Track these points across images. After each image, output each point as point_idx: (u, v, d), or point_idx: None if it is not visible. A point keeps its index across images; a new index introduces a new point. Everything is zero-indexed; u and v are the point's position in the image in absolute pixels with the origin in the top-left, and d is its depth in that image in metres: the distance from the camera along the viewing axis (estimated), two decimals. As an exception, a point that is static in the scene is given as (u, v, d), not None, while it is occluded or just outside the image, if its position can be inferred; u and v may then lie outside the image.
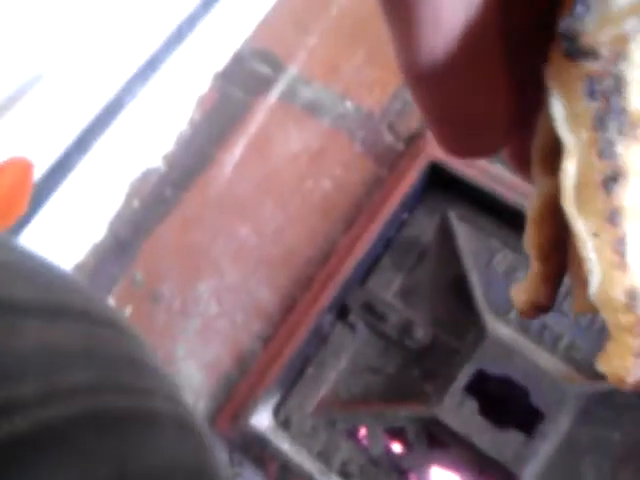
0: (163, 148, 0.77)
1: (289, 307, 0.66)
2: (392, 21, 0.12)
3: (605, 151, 0.12)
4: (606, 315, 0.13)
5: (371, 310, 0.64)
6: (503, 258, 0.64)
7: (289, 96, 0.76)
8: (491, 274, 0.64)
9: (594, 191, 0.12)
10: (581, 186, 0.12)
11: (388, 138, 0.71)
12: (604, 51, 0.11)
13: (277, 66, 0.77)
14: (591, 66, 0.12)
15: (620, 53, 0.11)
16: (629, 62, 0.11)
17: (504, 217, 0.64)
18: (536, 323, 0.64)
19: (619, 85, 0.11)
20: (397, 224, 0.66)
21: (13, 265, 0.22)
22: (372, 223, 0.65)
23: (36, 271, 0.22)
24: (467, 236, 0.65)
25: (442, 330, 0.63)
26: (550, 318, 0.63)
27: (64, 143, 0.66)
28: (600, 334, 0.62)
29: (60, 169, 0.66)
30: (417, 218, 0.66)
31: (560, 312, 0.63)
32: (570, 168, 0.12)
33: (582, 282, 0.14)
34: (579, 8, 0.11)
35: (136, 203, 0.76)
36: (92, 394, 0.20)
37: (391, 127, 0.71)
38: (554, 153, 0.13)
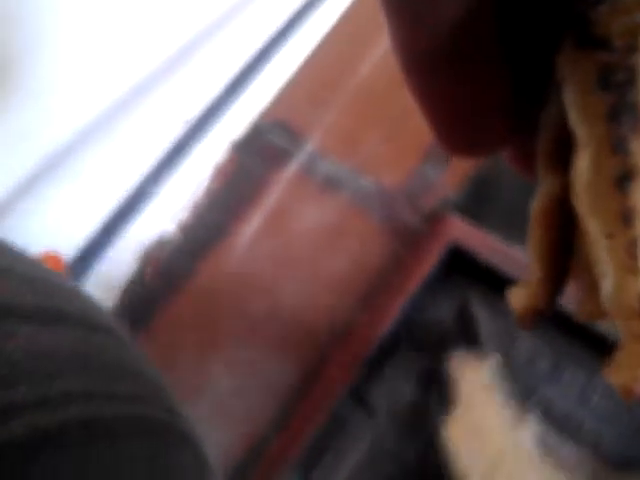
0: (179, 217, 0.76)
1: (305, 389, 0.64)
2: (389, 7, 0.12)
3: (618, 147, 0.11)
4: (618, 322, 0.12)
5: (390, 393, 0.62)
6: (524, 344, 0.63)
7: (307, 169, 0.75)
8: (512, 360, 0.63)
9: (607, 189, 0.11)
10: (594, 183, 0.11)
11: (408, 216, 0.71)
12: (617, 41, 0.11)
13: (295, 139, 0.77)
14: (604, 56, 0.11)
15: (632, 45, 0.11)
16: None
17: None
18: (559, 411, 0.62)
19: (632, 78, 0.11)
20: (416, 306, 0.65)
21: (12, 270, 0.22)
22: (391, 304, 0.64)
23: (35, 277, 0.23)
24: (488, 320, 0.64)
25: (463, 418, 0.61)
26: (573, 407, 0.62)
27: (89, 229, 0.66)
28: (628, 424, 0.61)
29: (86, 254, 0.65)
30: (437, 300, 0.65)
31: (582, 401, 0.62)
32: (583, 164, 0.11)
33: (591, 286, 0.13)
34: None
35: (149, 272, 0.75)
36: (86, 401, 0.20)
37: (411, 205, 0.71)
38: (561, 149, 0.13)
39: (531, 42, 0.13)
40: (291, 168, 0.76)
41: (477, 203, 0.69)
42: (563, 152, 0.12)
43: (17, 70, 0.61)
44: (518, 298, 0.15)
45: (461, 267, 0.65)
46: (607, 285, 0.12)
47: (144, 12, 0.66)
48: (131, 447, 0.21)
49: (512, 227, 0.66)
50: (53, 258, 0.57)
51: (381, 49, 0.78)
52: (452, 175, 0.73)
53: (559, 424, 0.61)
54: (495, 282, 0.64)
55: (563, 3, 0.12)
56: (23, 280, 0.22)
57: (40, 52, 0.62)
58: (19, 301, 0.21)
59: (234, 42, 0.73)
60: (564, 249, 0.14)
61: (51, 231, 0.62)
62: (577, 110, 0.12)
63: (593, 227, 0.12)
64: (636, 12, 0.11)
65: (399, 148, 0.74)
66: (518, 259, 0.63)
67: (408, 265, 0.66)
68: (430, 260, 0.64)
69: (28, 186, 0.60)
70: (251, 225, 0.74)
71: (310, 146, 0.76)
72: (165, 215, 0.75)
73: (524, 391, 0.62)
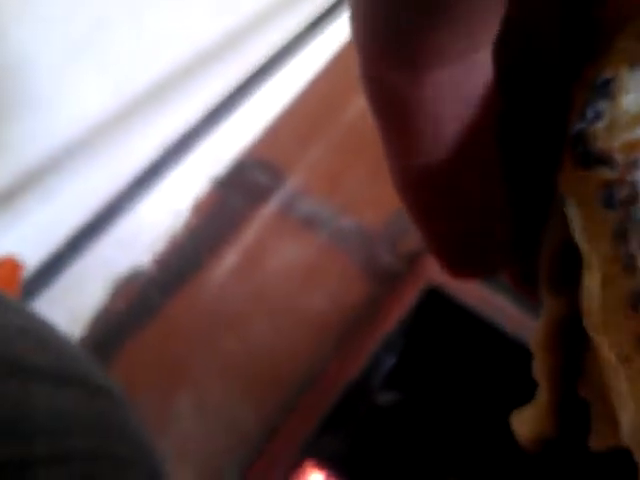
0: (155, 249, 0.75)
1: (273, 432, 0.61)
2: (385, 127, 0.11)
3: (629, 267, 0.11)
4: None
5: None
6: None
7: (287, 208, 0.74)
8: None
9: (621, 311, 0.11)
10: (606, 306, 0.11)
11: (387, 257, 0.69)
12: (619, 158, 0.11)
13: (277, 177, 0.76)
14: (606, 173, 0.11)
15: (635, 161, 0.11)
16: None
17: (502, 348, 0.62)
18: None
19: (637, 194, 0.11)
20: (392, 348, 0.63)
21: (30, 331, 0.25)
22: (364, 347, 0.62)
23: (48, 338, 0.26)
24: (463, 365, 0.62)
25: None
26: None
27: (56, 241, 0.64)
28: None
29: (48, 267, 0.64)
30: (414, 344, 0.63)
31: None
32: (593, 287, 0.11)
33: (606, 412, 0.12)
34: (590, 113, 0.11)
35: (120, 304, 0.73)
36: (88, 461, 0.23)
37: (391, 246, 0.70)
38: (564, 268, 0.12)
39: (529, 160, 0.12)
40: (271, 206, 0.75)
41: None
42: (567, 270, 0.12)
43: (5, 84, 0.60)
44: (522, 424, 0.13)
45: (439, 309, 0.63)
46: (626, 419, 0.11)
47: (132, 38, 0.66)
48: None
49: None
50: (11, 262, 0.55)
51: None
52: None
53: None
54: (473, 326, 0.62)
55: (561, 120, 0.11)
56: (38, 341, 0.25)
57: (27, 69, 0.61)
58: (38, 362, 0.23)
59: (219, 75, 0.73)
60: (573, 372, 0.13)
61: (17, 239, 0.61)
62: (583, 230, 0.11)
63: (608, 352, 0.11)
64: (636, 127, 0.11)
65: (381, 189, 0.73)
66: (496, 303, 0.62)
67: (385, 307, 0.65)
68: (407, 302, 0.63)
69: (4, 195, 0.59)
70: (227, 261, 0.73)
71: (291, 184, 0.76)
72: (141, 247, 0.74)
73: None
